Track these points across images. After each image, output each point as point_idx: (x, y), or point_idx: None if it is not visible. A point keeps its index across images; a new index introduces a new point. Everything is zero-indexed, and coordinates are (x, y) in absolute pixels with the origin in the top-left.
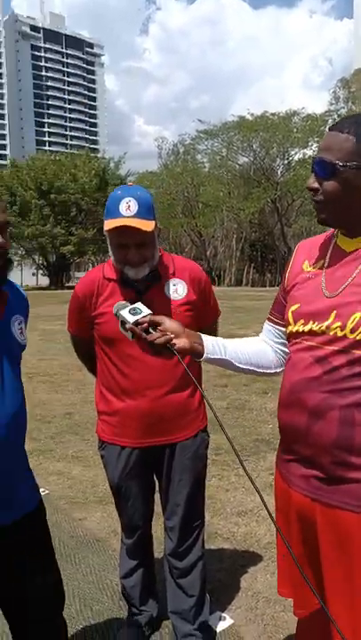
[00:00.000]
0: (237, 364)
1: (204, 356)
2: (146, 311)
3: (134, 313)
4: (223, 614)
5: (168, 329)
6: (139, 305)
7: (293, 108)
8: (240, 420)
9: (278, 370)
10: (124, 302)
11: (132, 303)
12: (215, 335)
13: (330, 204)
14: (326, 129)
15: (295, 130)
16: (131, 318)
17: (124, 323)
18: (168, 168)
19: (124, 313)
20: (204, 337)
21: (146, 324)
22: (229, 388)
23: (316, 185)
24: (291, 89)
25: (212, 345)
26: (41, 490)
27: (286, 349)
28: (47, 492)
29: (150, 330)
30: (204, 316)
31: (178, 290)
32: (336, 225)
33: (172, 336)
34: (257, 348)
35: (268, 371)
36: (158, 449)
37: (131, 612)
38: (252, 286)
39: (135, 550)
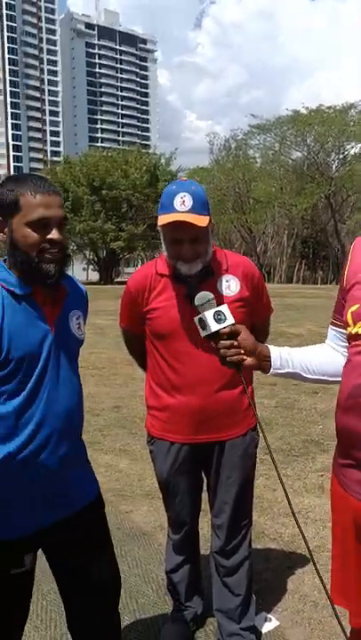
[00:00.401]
0: (306, 375)
1: (271, 371)
2: (230, 320)
3: (218, 319)
4: (269, 615)
5: (242, 344)
6: (224, 309)
7: (350, 101)
8: (289, 419)
9: None
10: (206, 295)
11: (207, 302)
12: (267, 332)
13: None
14: None
15: (352, 123)
16: (214, 326)
17: (202, 320)
18: (219, 164)
19: (209, 316)
20: (272, 350)
21: (225, 335)
22: (278, 387)
23: None
24: (347, 82)
25: (280, 358)
26: None
27: None
28: None
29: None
30: (256, 313)
31: (230, 286)
32: None
33: (244, 357)
34: (325, 356)
35: (340, 378)
36: (208, 446)
37: (176, 608)
38: (303, 284)
39: (182, 546)
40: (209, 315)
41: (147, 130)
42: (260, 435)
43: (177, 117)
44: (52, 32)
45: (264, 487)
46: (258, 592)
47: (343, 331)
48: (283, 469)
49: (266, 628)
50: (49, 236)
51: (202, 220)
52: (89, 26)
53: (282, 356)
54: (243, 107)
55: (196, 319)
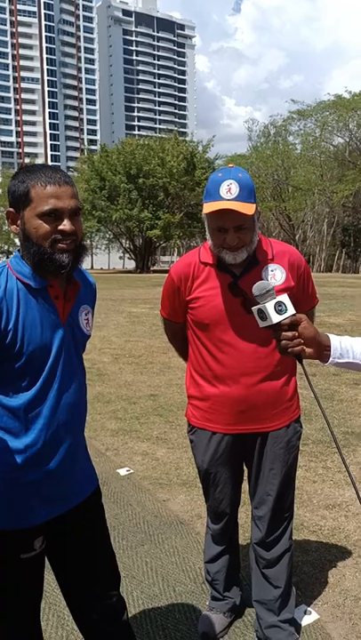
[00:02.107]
0: None
1: (330, 360)
2: (291, 310)
3: (279, 310)
4: (309, 609)
5: (303, 334)
6: (284, 299)
7: None
8: (329, 410)
9: None
10: (266, 285)
11: (266, 292)
12: (311, 322)
13: None
14: None
15: None
16: (275, 317)
17: (261, 311)
18: (258, 150)
19: (270, 307)
20: (332, 339)
21: (286, 325)
22: (318, 378)
23: None
24: None
25: (340, 348)
26: (125, 469)
27: None
28: (132, 471)
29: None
30: (301, 304)
31: (276, 275)
32: None
33: (304, 347)
34: None
35: None
36: (250, 437)
37: (213, 597)
38: (344, 273)
39: (221, 536)
40: (270, 306)
41: (184, 117)
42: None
43: (215, 104)
44: (90, 20)
45: (303, 479)
46: (297, 585)
47: None
48: (323, 461)
49: (305, 621)
50: (60, 227)
51: (248, 208)
52: (126, 13)
53: (342, 345)
54: (283, 92)
55: (254, 309)
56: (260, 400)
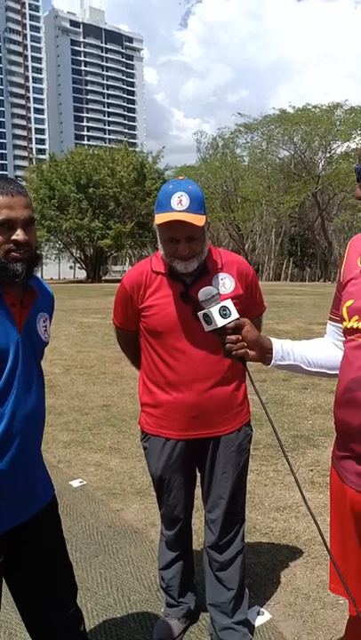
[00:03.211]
0: (307, 368)
1: (272, 362)
2: (235, 314)
3: (224, 314)
4: (262, 609)
5: (247, 337)
6: (228, 304)
7: (337, 100)
8: (278, 415)
9: None
10: (211, 291)
11: (211, 297)
12: (259, 329)
13: None
14: None
15: (338, 123)
16: (220, 321)
17: (207, 315)
18: (207, 162)
19: (215, 311)
20: (274, 342)
21: (230, 329)
22: (268, 383)
23: None
24: (334, 81)
25: (281, 350)
26: (78, 480)
27: None
28: (85, 482)
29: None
30: (249, 311)
31: (225, 284)
32: None
33: (247, 350)
34: (325, 349)
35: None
36: (202, 442)
37: (168, 604)
38: (292, 281)
39: (175, 542)
40: (215, 310)
41: (133, 128)
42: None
43: (164, 116)
44: (37, 29)
45: (255, 483)
46: (250, 586)
47: (340, 325)
48: (273, 464)
49: (259, 621)
50: (13, 237)
51: (198, 220)
52: (74, 23)
53: (283, 348)
54: (230, 105)
55: (200, 314)
56: (212, 405)
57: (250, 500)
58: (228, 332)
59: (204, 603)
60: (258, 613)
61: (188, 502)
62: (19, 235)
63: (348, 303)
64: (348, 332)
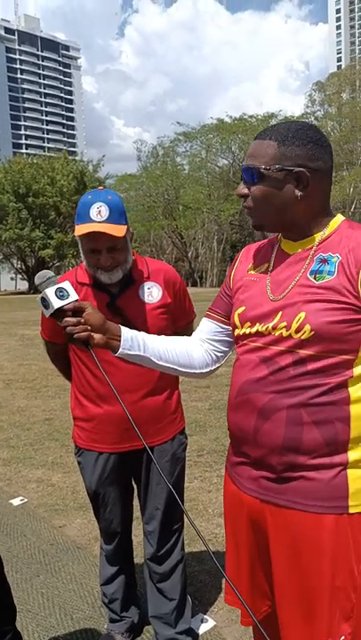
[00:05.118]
0: (157, 362)
1: (120, 350)
2: (73, 296)
3: (61, 296)
4: (205, 616)
5: (90, 320)
6: (66, 285)
7: (271, 110)
8: (222, 420)
9: (204, 370)
10: (46, 273)
11: (47, 279)
12: None
13: (259, 208)
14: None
15: None
16: (56, 302)
17: (44, 299)
18: (148, 170)
19: (50, 293)
20: (125, 331)
21: (69, 312)
22: (212, 389)
23: (245, 191)
24: (268, 92)
25: (131, 340)
26: (19, 498)
27: (222, 348)
28: (25, 500)
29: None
30: (179, 319)
31: (152, 293)
32: (272, 229)
33: (91, 333)
34: (182, 346)
35: (192, 370)
36: (136, 453)
37: (111, 619)
38: None
39: (115, 556)
40: (50, 292)
41: (73, 137)
42: (192, 437)
43: (104, 124)
44: None
45: (199, 489)
46: (193, 594)
47: (221, 325)
48: (217, 470)
49: (202, 629)
50: None
51: (119, 230)
52: (8, 31)
53: (134, 337)
54: (169, 114)
55: (38, 299)
56: (143, 416)
57: (194, 507)
58: (67, 314)
59: (148, 615)
60: (202, 621)
61: (126, 515)
62: None
63: (240, 310)
64: (240, 337)
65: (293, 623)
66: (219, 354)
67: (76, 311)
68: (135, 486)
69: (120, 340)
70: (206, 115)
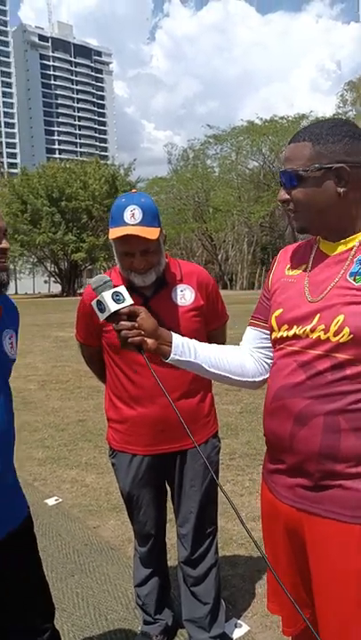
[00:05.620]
0: (209, 369)
1: (171, 356)
2: (128, 300)
3: (117, 299)
4: (239, 621)
5: (143, 325)
6: (122, 290)
7: (302, 111)
8: (254, 424)
9: (257, 379)
10: (103, 277)
11: (103, 284)
12: (224, 339)
13: (302, 211)
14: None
15: None
16: (113, 306)
17: (100, 302)
18: (178, 173)
19: (107, 296)
20: (176, 337)
21: (125, 316)
22: (243, 392)
23: (286, 196)
24: (299, 93)
25: (182, 346)
26: (54, 498)
27: (271, 354)
28: (60, 500)
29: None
30: (212, 321)
31: (185, 295)
32: (315, 232)
33: (144, 337)
34: (234, 354)
35: (245, 379)
36: (169, 456)
37: (145, 621)
38: None
39: (149, 558)
40: (107, 295)
41: (105, 141)
42: (225, 441)
43: (135, 128)
44: (5, 44)
45: (231, 493)
46: (227, 598)
47: (264, 331)
48: (249, 474)
49: (236, 634)
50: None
51: (152, 233)
52: (42, 38)
53: (185, 344)
54: (199, 117)
55: (93, 302)
56: (176, 418)
57: (226, 510)
58: (122, 319)
59: (182, 618)
60: (235, 626)
61: (160, 518)
62: (4, 243)
63: (277, 313)
64: (277, 341)
65: (336, 633)
66: (269, 360)
67: (131, 315)
68: (169, 489)
69: (171, 346)
70: (236, 116)
